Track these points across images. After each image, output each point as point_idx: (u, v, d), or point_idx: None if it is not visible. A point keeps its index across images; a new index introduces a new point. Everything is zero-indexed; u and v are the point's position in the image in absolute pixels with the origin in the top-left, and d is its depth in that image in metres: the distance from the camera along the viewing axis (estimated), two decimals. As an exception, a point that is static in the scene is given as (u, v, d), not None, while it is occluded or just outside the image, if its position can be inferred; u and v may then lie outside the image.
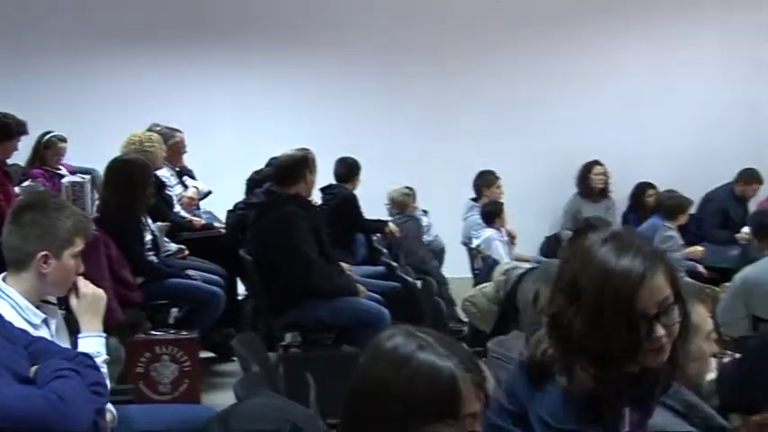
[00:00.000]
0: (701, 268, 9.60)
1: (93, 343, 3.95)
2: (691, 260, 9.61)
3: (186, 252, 8.06)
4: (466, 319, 7.48)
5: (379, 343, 2.40)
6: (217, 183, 9.42)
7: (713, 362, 3.58)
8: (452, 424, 2.22)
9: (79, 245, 4.04)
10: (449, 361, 2.30)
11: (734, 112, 11.64)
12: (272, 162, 8.29)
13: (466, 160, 10.64)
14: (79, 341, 3.96)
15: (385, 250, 9.29)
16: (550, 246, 10.13)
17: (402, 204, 9.93)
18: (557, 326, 2.54)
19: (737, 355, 4.59)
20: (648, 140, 11.49)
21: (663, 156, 11.31)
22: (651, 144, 11.45)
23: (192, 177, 9.31)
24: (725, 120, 11.57)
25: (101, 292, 4.17)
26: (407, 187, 10.05)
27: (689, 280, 8.43)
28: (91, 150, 8.78)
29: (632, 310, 2.42)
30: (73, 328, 4.08)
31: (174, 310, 7.71)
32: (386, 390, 2.30)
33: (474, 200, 10.15)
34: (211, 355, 8.13)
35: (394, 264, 8.77)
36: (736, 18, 11.76)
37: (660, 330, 2.44)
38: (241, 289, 8.59)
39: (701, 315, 3.25)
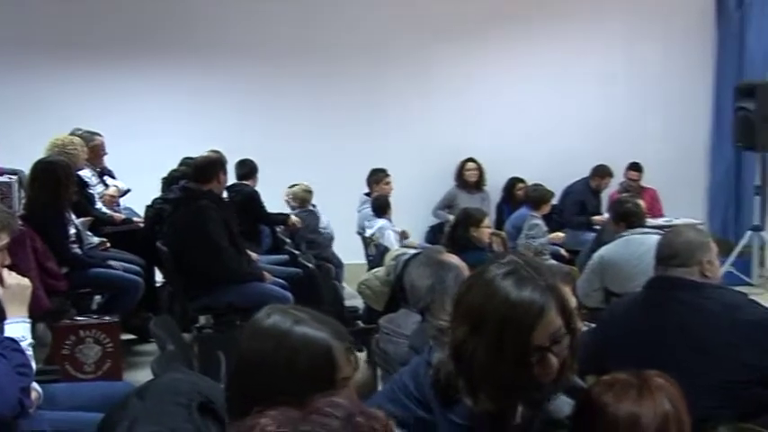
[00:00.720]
0: (563, 251, 9.87)
1: (18, 328, 3.94)
2: (554, 244, 9.83)
3: (107, 244, 8.04)
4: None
5: (258, 321, 2.43)
6: (135, 181, 9.35)
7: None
8: (330, 390, 2.22)
9: (4, 239, 4.06)
10: (322, 332, 2.35)
11: (589, 116, 11.87)
12: (188, 162, 8.44)
13: (360, 158, 10.69)
14: (5, 327, 3.95)
15: (288, 240, 9.39)
16: (435, 234, 10.30)
17: (303, 200, 10.03)
18: (460, 355, 2.48)
19: (592, 325, 4.75)
20: (519, 141, 11.63)
21: (531, 154, 11.47)
22: (521, 144, 11.60)
23: (112, 177, 9.26)
24: (581, 123, 11.80)
25: (26, 281, 4.17)
26: (307, 185, 10.10)
27: (554, 262, 8.66)
28: (16, 153, 8.64)
29: (529, 343, 2.40)
30: (0, 316, 4.06)
31: (97, 297, 7.65)
32: (267, 363, 2.34)
33: (367, 194, 10.24)
34: (132, 336, 8.13)
35: (296, 252, 8.88)
36: (590, 32, 11.98)
37: (553, 359, 2.43)
38: (158, 276, 8.56)
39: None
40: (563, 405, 2.92)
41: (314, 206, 10.18)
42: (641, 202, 7.80)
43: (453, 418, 2.51)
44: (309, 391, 1.96)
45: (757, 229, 10.67)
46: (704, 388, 3.99)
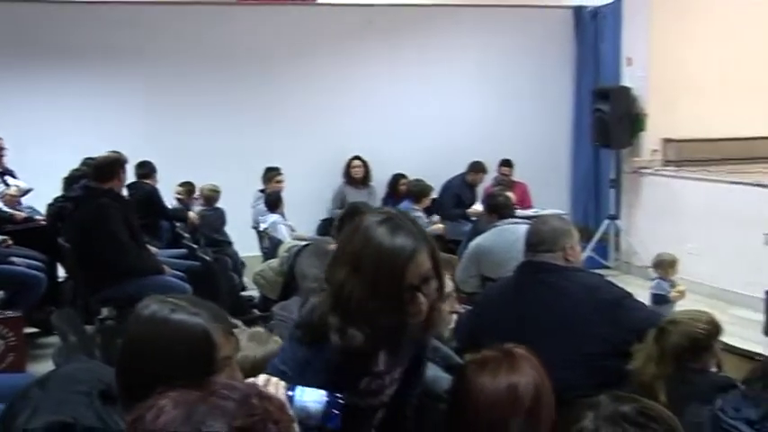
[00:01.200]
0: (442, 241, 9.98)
1: None
2: (435, 235, 9.95)
3: (10, 242, 7.84)
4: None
5: (139, 311, 2.46)
6: (36, 181, 9.19)
7: (453, 316, 3.69)
8: (212, 370, 2.27)
9: None
10: (199, 317, 2.37)
11: (465, 117, 12.04)
12: (89, 162, 8.26)
13: (255, 157, 10.69)
14: None
15: (187, 235, 9.37)
16: (325, 227, 10.35)
17: (208, 198, 10.01)
18: (338, 295, 2.55)
19: (469, 308, 4.87)
20: (402, 140, 11.71)
21: (413, 152, 11.53)
22: (404, 142, 11.67)
23: (13, 176, 9.08)
24: (459, 123, 11.95)
25: None
26: (214, 185, 10.09)
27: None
28: None
29: (402, 282, 2.50)
30: None
31: (1, 293, 7.50)
32: (149, 350, 2.37)
33: (261, 191, 10.23)
34: (35, 330, 7.95)
35: (194, 246, 8.87)
36: (467, 42, 12.18)
37: (422, 299, 2.54)
38: (61, 272, 8.45)
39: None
40: (442, 380, 3.03)
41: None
42: (511, 195, 8.02)
43: (320, 355, 2.57)
44: (194, 373, 2.03)
45: (613, 217, 11.03)
46: (568, 360, 4.14)
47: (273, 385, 2.28)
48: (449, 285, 3.35)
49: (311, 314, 2.66)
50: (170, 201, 9.76)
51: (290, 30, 11.64)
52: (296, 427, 2.04)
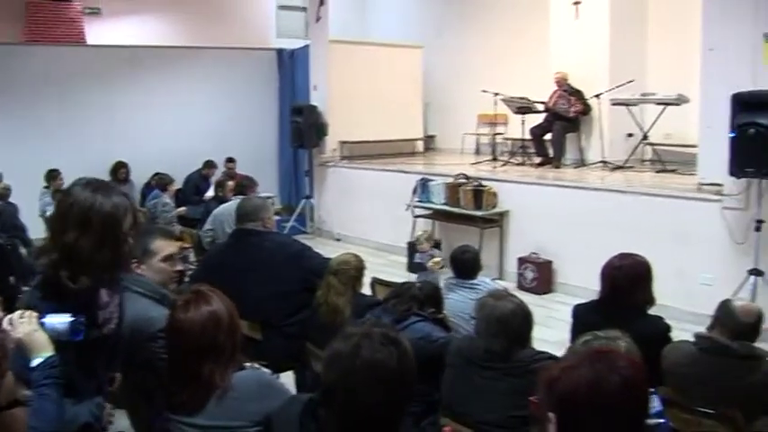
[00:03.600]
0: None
1: None
2: (181, 215, 9.73)
3: None
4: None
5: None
6: None
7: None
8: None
9: None
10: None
11: (201, 127, 11.86)
12: None
13: (42, 161, 10.09)
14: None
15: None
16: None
17: (2, 195, 9.22)
18: (69, 252, 2.31)
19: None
20: (156, 147, 11.36)
21: (164, 156, 11.15)
22: (158, 149, 11.32)
23: None
24: (196, 133, 11.76)
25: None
26: (6, 184, 9.33)
27: (180, 227, 8.61)
28: None
29: (121, 230, 2.37)
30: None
31: None
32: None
33: (46, 187, 9.67)
34: None
35: (-6, 232, 8.19)
36: (207, 72, 11.99)
37: (130, 240, 2.43)
38: None
39: (158, 245, 3.20)
40: (155, 321, 2.85)
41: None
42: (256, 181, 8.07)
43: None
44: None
45: (308, 197, 11.21)
46: (272, 297, 4.26)
47: (28, 316, 2.18)
48: (167, 249, 3.22)
49: (45, 273, 2.38)
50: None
51: (68, 64, 11.06)
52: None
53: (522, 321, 2.98)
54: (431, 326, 3.45)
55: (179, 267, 3.40)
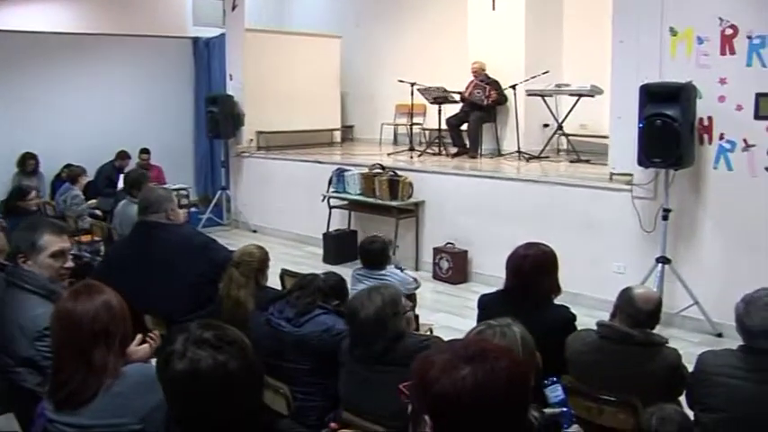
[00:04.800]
0: (98, 212, 9.35)
1: None
2: (92, 208, 9.40)
3: None
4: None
5: None
6: None
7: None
8: None
9: None
10: None
11: (114, 118, 11.53)
12: None
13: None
14: None
15: None
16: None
17: None
18: None
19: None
20: (68, 139, 10.99)
21: (76, 146, 10.83)
22: (70, 139, 10.97)
23: None
24: (110, 123, 11.42)
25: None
26: None
27: (91, 219, 8.33)
28: None
29: None
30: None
31: None
32: None
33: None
34: None
35: None
36: (123, 61, 11.60)
37: None
38: None
39: (47, 240, 3.12)
40: (39, 318, 2.79)
41: None
42: (149, 174, 7.85)
43: None
44: None
45: (224, 188, 10.96)
46: (176, 292, 4.13)
47: None
48: (55, 245, 3.13)
49: None
50: None
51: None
52: None
53: (392, 317, 2.92)
54: (334, 318, 3.38)
55: (69, 264, 3.30)
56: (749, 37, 5.68)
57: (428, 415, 1.40)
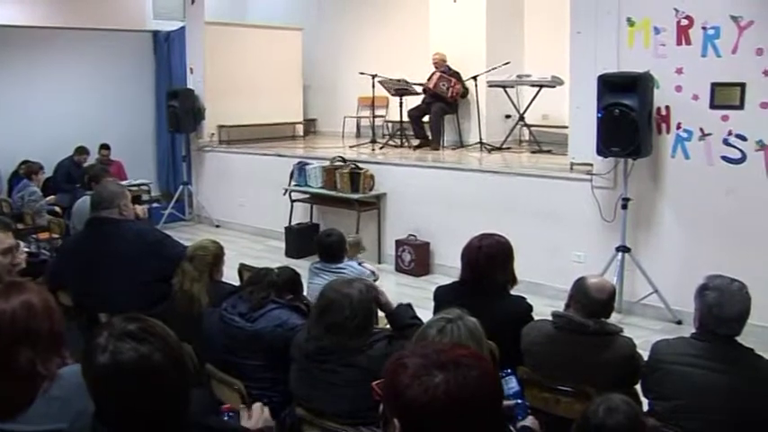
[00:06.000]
0: (57, 209, 9.20)
1: None
2: (50, 204, 9.22)
3: None
4: None
5: None
6: None
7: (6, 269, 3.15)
8: None
9: None
10: None
11: (73, 113, 11.28)
12: None
13: None
14: None
15: None
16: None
17: None
18: None
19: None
20: (26, 135, 10.76)
21: (35, 143, 10.57)
22: (28, 137, 10.73)
23: None
24: (68, 119, 11.17)
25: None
26: None
27: (49, 216, 8.17)
28: None
29: None
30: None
31: None
32: None
33: None
34: None
35: None
36: (85, 59, 11.37)
37: None
38: None
39: None
40: None
41: None
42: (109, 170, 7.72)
43: None
44: None
45: (186, 183, 10.82)
46: (129, 288, 4.04)
47: None
48: (5, 243, 3.08)
49: None
50: None
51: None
52: None
53: (356, 314, 2.84)
54: (288, 313, 3.33)
55: (18, 260, 3.23)
56: (704, 27, 5.72)
57: (397, 419, 1.39)
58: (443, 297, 3.50)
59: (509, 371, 2.74)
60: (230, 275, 4.54)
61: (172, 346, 1.73)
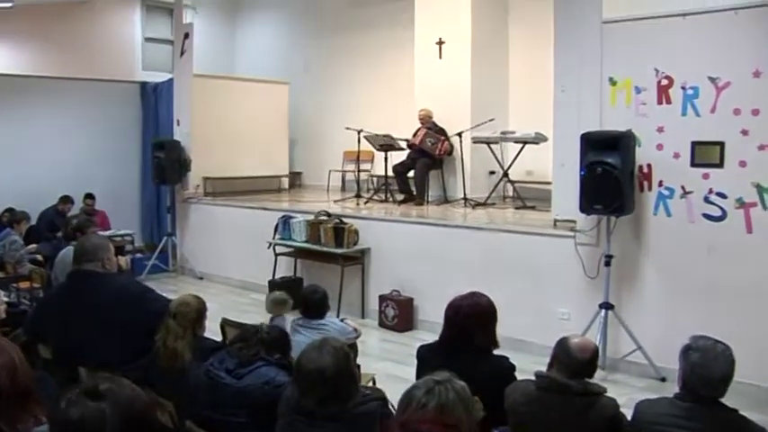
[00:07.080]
0: (39, 257, 9.10)
1: None
2: (32, 253, 9.13)
3: None
4: None
5: None
6: None
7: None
8: None
9: None
10: None
11: (59, 162, 11.34)
12: None
13: None
14: None
15: None
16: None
17: None
18: None
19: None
20: (12, 178, 10.85)
21: (21, 188, 10.62)
22: (14, 180, 10.82)
23: None
24: (54, 167, 11.24)
25: None
26: None
27: (31, 266, 8.08)
28: None
29: None
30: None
31: None
32: None
33: None
34: None
35: None
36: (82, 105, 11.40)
37: None
38: None
39: None
40: None
41: None
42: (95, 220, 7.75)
43: None
44: None
45: (171, 234, 10.82)
46: (110, 342, 3.99)
47: None
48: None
49: None
50: None
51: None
52: None
53: (337, 377, 2.79)
54: (275, 370, 3.30)
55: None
56: (683, 87, 5.85)
57: None
58: (426, 356, 3.48)
59: (504, 429, 2.73)
60: (213, 328, 4.50)
61: (133, 405, 1.72)
